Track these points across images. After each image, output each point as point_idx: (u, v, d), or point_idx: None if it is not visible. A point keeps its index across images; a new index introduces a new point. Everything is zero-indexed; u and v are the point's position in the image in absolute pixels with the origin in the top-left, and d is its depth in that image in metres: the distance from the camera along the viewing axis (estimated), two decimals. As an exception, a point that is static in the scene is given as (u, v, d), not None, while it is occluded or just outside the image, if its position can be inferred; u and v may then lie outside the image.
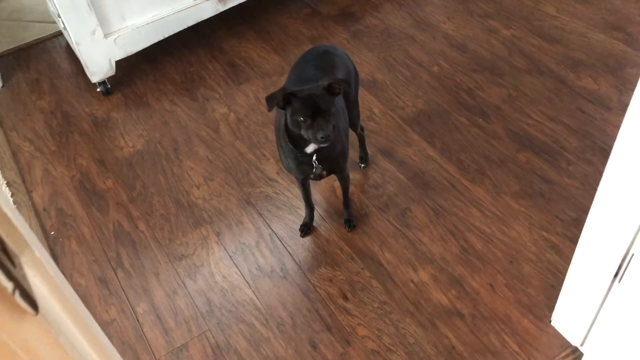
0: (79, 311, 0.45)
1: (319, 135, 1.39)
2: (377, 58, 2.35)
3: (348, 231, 1.76)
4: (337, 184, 1.89)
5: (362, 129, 1.89)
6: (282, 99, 1.41)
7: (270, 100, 1.42)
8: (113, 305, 1.67)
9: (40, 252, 0.41)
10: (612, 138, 1.87)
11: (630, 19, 2.38)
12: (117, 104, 2.31)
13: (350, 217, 1.77)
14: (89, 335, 0.46)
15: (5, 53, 2.60)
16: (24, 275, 0.36)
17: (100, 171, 2.05)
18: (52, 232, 1.87)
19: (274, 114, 2.16)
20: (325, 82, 1.43)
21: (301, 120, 1.40)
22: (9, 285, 0.32)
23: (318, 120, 1.40)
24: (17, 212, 0.39)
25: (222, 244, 1.77)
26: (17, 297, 0.33)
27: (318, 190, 1.89)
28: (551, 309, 1.50)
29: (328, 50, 1.71)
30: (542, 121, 2.01)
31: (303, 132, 1.42)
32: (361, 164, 1.93)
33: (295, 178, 1.70)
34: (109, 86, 2.33)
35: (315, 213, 1.81)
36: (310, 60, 1.69)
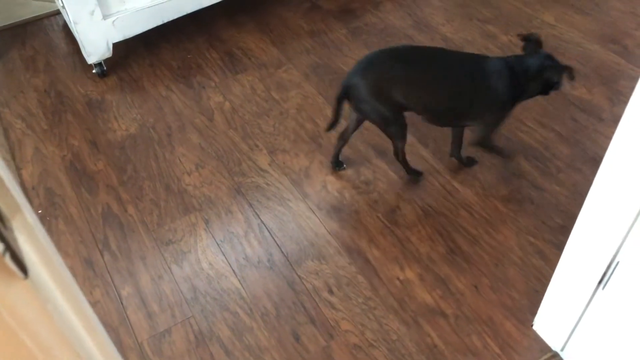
0: (67, 281, 0.45)
1: None
2: (375, 56, 2.36)
3: (469, 166, 1.90)
4: (329, 178, 1.90)
5: None
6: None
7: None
8: (97, 287, 1.67)
9: (32, 218, 0.41)
10: (602, 148, 1.88)
11: (627, 32, 2.40)
12: (112, 86, 2.30)
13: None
14: (76, 305, 0.46)
15: (2, 29, 2.58)
16: (14, 239, 0.36)
17: (91, 152, 2.04)
18: (40, 211, 1.86)
19: (269, 105, 2.16)
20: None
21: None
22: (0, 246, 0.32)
23: None
24: (9, 176, 0.39)
25: (210, 232, 1.77)
26: (7, 259, 0.33)
27: (309, 183, 1.89)
28: (534, 313, 1.51)
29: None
30: (535, 128, 2.02)
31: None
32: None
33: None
34: (105, 68, 2.32)
35: (304, 205, 1.82)
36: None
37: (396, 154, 1.81)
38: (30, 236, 0.39)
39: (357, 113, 1.75)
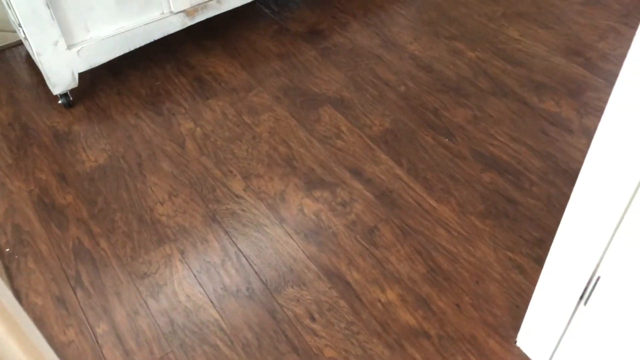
0: (40, 349, 0.42)
1: None
2: (344, 76, 2.36)
3: None
4: (305, 201, 1.88)
5: None
6: None
7: None
8: (71, 326, 1.61)
9: (-3, 287, 0.38)
10: (574, 160, 1.91)
11: (589, 45, 2.45)
12: (79, 116, 2.25)
13: None
14: (49, 374, 0.43)
15: (-39, 62, 2.51)
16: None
17: (60, 186, 1.98)
18: (8, 249, 1.80)
19: (241, 130, 2.14)
20: None
21: None
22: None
23: None
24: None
25: (186, 263, 1.73)
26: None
27: (285, 207, 1.87)
28: (516, 329, 1.51)
29: None
30: (506, 142, 2.05)
31: None
32: None
33: None
34: (71, 98, 2.27)
35: (281, 230, 1.79)
36: None
37: None
38: (-4, 308, 0.36)
39: None
